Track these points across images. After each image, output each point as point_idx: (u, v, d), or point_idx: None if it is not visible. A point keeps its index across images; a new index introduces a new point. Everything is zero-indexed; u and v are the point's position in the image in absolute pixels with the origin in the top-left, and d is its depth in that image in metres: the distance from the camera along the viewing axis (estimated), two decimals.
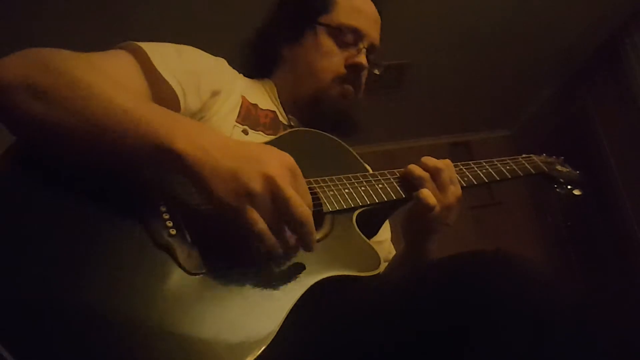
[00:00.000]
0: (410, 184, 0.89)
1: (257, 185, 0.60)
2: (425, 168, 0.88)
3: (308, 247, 0.65)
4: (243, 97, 0.97)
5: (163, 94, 0.80)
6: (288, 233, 0.65)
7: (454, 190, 0.89)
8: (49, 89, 0.61)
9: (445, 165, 0.89)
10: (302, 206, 0.62)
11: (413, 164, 0.91)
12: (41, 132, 0.62)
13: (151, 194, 0.66)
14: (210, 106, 0.89)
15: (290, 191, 0.61)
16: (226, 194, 0.60)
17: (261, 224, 0.61)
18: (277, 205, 0.62)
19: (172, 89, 0.81)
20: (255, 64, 1.10)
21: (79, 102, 0.61)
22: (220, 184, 0.60)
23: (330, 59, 1.01)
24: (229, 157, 0.61)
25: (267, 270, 0.66)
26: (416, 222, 0.91)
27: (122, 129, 0.60)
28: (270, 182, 0.61)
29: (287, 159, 0.65)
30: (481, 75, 3.46)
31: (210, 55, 0.96)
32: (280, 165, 0.63)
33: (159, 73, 0.80)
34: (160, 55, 0.82)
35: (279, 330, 0.60)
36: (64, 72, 0.63)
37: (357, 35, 1.03)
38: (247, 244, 0.64)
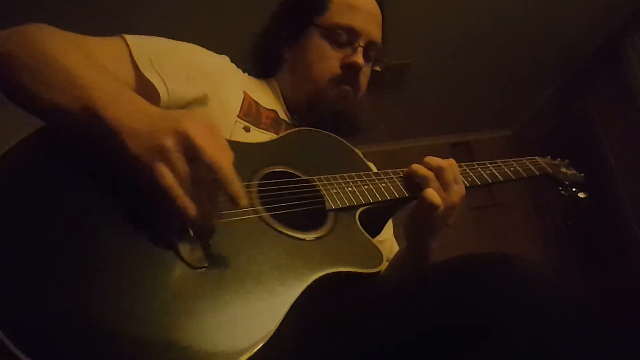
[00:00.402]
0: (413, 183, 0.89)
1: (168, 139, 0.60)
2: (429, 167, 0.88)
3: (236, 199, 0.62)
4: (245, 93, 0.97)
5: (143, 84, 0.83)
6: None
7: (458, 190, 0.89)
8: (21, 56, 0.67)
9: (449, 164, 0.89)
10: (217, 155, 0.61)
11: (416, 163, 0.91)
12: (19, 96, 0.68)
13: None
14: (206, 102, 0.90)
15: (203, 141, 0.60)
16: (138, 151, 0.60)
17: (169, 179, 0.59)
18: (191, 159, 0.60)
19: (148, 79, 0.83)
20: (258, 65, 1.11)
21: (42, 69, 0.66)
22: (134, 143, 0.60)
23: (325, 60, 1.01)
24: (146, 116, 0.63)
25: (269, 265, 0.66)
26: (419, 221, 0.91)
27: (61, 89, 0.64)
28: (182, 136, 0.60)
29: (206, 119, 0.64)
30: (481, 76, 3.46)
31: (212, 53, 0.97)
32: (196, 122, 0.62)
33: (136, 64, 0.83)
34: (143, 48, 0.84)
35: (279, 325, 0.60)
36: (37, 42, 0.69)
37: (353, 34, 1.02)
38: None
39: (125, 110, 0.62)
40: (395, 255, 1.06)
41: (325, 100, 1.01)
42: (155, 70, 0.84)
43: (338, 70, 1.01)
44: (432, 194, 0.85)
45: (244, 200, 0.62)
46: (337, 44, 1.02)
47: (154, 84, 0.83)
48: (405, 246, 0.99)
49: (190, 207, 0.60)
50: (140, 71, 0.83)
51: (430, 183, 0.87)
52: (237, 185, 0.62)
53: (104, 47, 0.81)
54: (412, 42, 2.99)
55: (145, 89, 0.82)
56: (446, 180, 0.88)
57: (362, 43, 1.03)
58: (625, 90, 3.10)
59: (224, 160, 0.61)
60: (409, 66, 3.24)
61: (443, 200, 0.86)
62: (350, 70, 1.02)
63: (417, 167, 0.89)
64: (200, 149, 0.59)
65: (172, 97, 0.85)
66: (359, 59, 1.01)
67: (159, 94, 0.84)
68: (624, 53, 3.10)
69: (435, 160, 0.89)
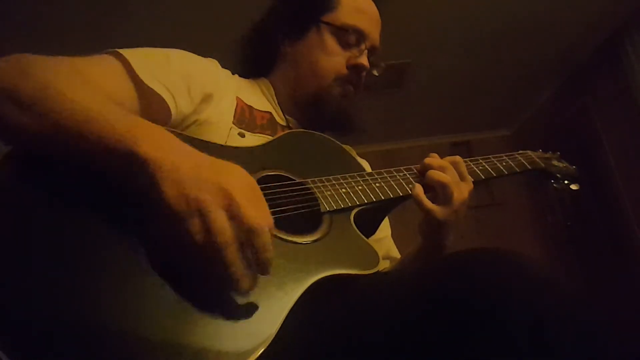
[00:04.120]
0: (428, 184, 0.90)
1: (209, 195, 0.57)
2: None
3: (263, 266, 0.59)
4: (238, 98, 0.97)
5: (150, 101, 0.80)
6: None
7: (466, 186, 0.91)
8: (21, 93, 0.61)
9: (452, 162, 0.91)
10: (257, 218, 0.58)
11: (422, 164, 0.92)
12: (18, 135, 0.62)
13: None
14: (203, 109, 0.89)
15: (244, 203, 0.58)
16: (176, 200, 0.56)
17: (200, 236, 0.56)
18: (231, 218, 0.57)
19: (159, 94, 0.81)
20: (253, 61, 1.10)
21: (48, 105, 0.61)
22: (174, 188, 0.57)
23: (333, 58, 1.02)
24: (188, 163, 0.59)
25: None
26: (430, 224, 0.92)
27: (87, 131, 0.60)
28: (225, 194, 0.58)
29: (248, 177, 0.63)
30: (481, 76, 3.46)
31: (200, 57, 0.95)
32: (239, 180, 0.60)
33: (142, 80, 0.80)
34: (143, 62, 0.81)
35: (279, 329, 0.60)
36: (37, 77, 0.63)
37: (360, 36, 1.03)
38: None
39: (165, 152, 0.59)
40: (409, 251, 1.06)
41: (328, 98, 1.01)
42: (163, 85, 0.82)
43: (344, 70, 1.02)
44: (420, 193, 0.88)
45: (268, 270, 0.60)
46: (345, 44, 1.03)
47: (165, 98, 0.81)
48: (419, 243, 0.99)
49: (218, 264, 0.56)
50: (143, 87, 0.79)
51: (453, 188, 0.88)
52: (270, 253, 0.59)
53: (98, 67, 0.77)
54: (412, 42, 2.99)
55: (150, 105, 0.80)
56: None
57: (367, 45, 1.04)
58: (625, 90, 3.10)
59: (263, 224, 0.58)
60: (409, 66, 3.24)
61: (455, 198, 0.88)
62: (355, 71, 1.03)
63: (435, 174, 0.89)
64: (241, 210, 0.57)
65: (177, 112, 0.84)
66: (365, 61, 1.02)
67: (168, 108, 0.82)
68: (624, 53, 3.10)
69: (438, 162, 0.91)
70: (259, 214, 0.59)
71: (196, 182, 0.57)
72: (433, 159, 0.92)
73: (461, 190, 0.89)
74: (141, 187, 0.58)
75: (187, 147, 0.63)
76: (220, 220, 0.56)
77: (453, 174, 0.89)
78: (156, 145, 0.59)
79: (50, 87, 0.62)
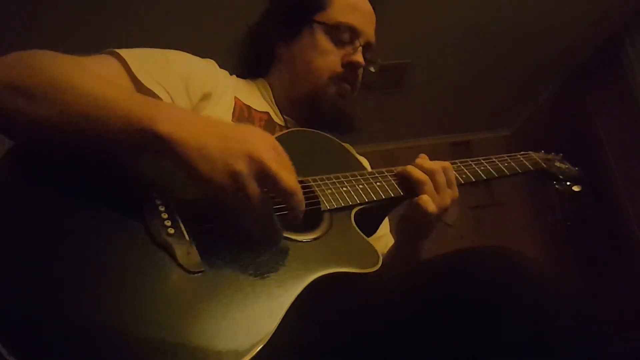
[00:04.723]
0: (408, 183, 0.89)
1: (241, 164, 0.61)
2: (423, 170, 0.89)
3: (296, 216, 0.67)
4: (236, 98, 0.97)
5: None
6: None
7: (451, 194, 0.90)
8: (30, 86, 0.62)
9: (442, 168, 0.90)
10: (289, 178, 0.64)
11: (411, 164, 0.91)
12: (28, 130, 0.63)
13: (148, 193, 0.66)
14: (202, 109, 0.89)
15: (275, 166, 0.62)
16: (214, 175, 0.60)
17: (245, 205, 0.63)
18: (265, 183, 0.63)
19: (157, 96, 0.81)
20: (249, 62, 1.10)
21: (60, 95, 0.62)
22: (206, 164, 0.60)
23: (327, 57, 1.01)
24: (213, 136, 0.62)
25: (266, 267, 0.66)
26: (412, 224, 0.91)
27: (104, 117, 0.61)
28: (255, 161, 0.61)
29: (270, 138, 0.66)
30: (481, 75, 3.46)
31: (199, 58, 0.96)
32: (264, 144, 0.64)
33: (140, 81, 0.80)
34: (141, 63, 0.82)
35: (277, 327, 0.60)
36: (45, 69, 0.64)
37: (354, 33, 1.03)
38: (245, 236, 0.66)
39: (183, 126, 0.61)
40: (386, 253, 1.07)
41: (325, 98, 1.01)
42: (160, 85, 0.82)
43: (339, 68, 1.01)
44: (427, 200, 0.86)
45: (299, 221, 0.68)
46: (339, 42, 1.02)
47: (163, 99, 0.82)
48: (395, 245, 0.99)
49: (259, 228, 0.67)
50: (141, 88, 0.80)
51: (425, 187, 0.87)
52: (302, 208, 0.67)
53: (98, 66, 0.78)
54: (412, 42, 2.99)
55: None
56: (439, 184, 0.89)
57: (362, 42, 1.03)
58: (625, 90, 3.09)
59: (296, 183, 0.64)
60: (409, 66, 3.24)
61: (436, 204, 0.87)
62: (351, 69, 1.02)
63: (412, 170, 0.89)
64: (275, 175, 0.62)
65: None
66: (360, 58, 1.02)
67: None
68: (624, 53, 3.09)
69: (429, 164, 0.90)
70: (289, 175, 0.64)
71: (227, 155, 0.61)
72: (424, 161, 0.91)
73: (444, 197, 0.89)
74: (166, 162, 0.62)
75: (204, 119, 0.65)
76: (254, 187, 0.62)
77: (441, 178, 0.89)
78: (175, 121, 0.61)
79: (59, 77, 0.63)
